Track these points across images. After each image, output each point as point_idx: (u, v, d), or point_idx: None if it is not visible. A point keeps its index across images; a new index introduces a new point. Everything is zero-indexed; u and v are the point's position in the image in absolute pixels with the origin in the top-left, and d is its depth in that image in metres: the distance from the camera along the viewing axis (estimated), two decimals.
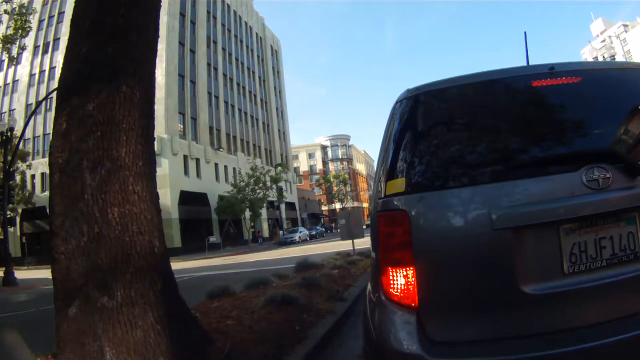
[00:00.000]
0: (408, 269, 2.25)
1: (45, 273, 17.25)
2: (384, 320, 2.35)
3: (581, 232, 2.17)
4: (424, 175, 2.39)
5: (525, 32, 3.44)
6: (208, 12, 57.51)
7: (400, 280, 2.28)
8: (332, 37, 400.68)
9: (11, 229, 34.03)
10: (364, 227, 15.86)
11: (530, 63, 2.95)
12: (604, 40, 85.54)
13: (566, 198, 2.16)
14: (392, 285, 2.31)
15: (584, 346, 1.98)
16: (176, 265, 27.29)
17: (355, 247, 15.51)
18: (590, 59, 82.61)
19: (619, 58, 54.19)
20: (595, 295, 2.13)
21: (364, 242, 17.15)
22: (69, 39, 3.87)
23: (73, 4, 4.01)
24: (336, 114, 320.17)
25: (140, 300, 3.53)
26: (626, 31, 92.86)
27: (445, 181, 2.32)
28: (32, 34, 36.55)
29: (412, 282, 2.24)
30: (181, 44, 49.72)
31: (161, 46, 44.54)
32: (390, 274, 2.32)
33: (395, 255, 2.32)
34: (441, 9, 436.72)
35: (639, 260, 2.18)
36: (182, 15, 50.82)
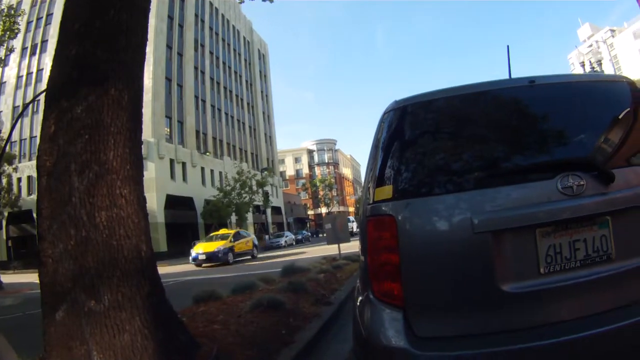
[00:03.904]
0: (395, 270, 2.38)
1: (31, 277, 17.03)
2: (372, 318, 2.47)
3: (556, 235, 2.33)
4: (410, 183, 2.53)
5: (508, 46, 3.60)
6: (196, 16, 57.42)
7: (388, 280, 2.42)
8: (320, 41, 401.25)
9: None
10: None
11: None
12: (590, 45, 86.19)
13: (542, 204, 2.32)
14: (379, 285, 2.46)
15: (557, 340, 2.12)
16: (162, 269, 26.96)
17: (341, 252, 15.52)
18: (577, 64, 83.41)
19: (606, 63, 54.88)
20: (570, 294, 2.28)
21: (350, 247, 17.15)
22: (58, 42, 3.87)
23: (62, 6, 4.01)
24: (323, 118, 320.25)
25: (127, 304, 3.52)
26: (613, 36, 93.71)
27: (430, 188, 2.47)
28: (20, 36, 36.19)
29: (399, 283, 2.37)
30: (169, 47, 49.63)
31: (149, 49, 43.84)
32: (378, 274, 2.48)
33: (383, 257, 2.45)
34: (434, 13, 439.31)
35: (611, 261, 2.34)
36: (170, 18, 50.75)
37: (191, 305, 7.37)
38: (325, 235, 18.96)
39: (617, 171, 2.38)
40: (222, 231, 33.66)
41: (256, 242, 33.92)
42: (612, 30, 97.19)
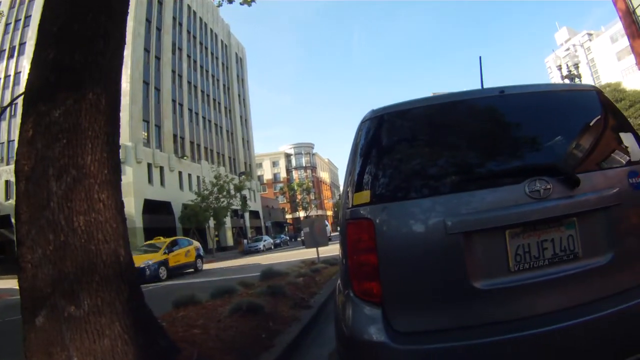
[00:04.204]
0: (373, 270, 2.54)
1: (10, 283, 16.80)
2: (354, 315, 2.61)
3: (525, 236, 2.50)
4: (386, 188, 2.68)
5: (480, 57, 3.79)
6: (174, 19, 57.03)
7: (367, 280, 2.57)
8: (297, 45, 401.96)
9: None
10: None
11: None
12: (568, 49, 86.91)
13: (511, 207, 2.49)
14: (359, 284, 2.61)
15: (526, 333, 2.28)
16: None
17: (320, 255, 15.58)
18: (554, 67, 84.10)
19: (583, 66, 55.71)
20: (539, 290, 2.44)
21: (329, 250, 17.15)
22: (36, 45, 3.85)
23: (41, 9, 3.99)
24: (301, 122, 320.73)
25: (107, 309, 3.51)
26: (590, 40, 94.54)
27: (405, 192, 2.63)
28: None
29: (377, 281, 2.52)
30: (146, 50, 49.23)
31: (127, 52, 43.02)
32: (358, 274, 2.63)
33: (362, 257, 2.60)
34: (412, 16, 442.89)
35: (578, 259, 2.51)
36: (148, 21, 50.31)
37: (171, 310, 7.34)
38: (303, 238, 18.97)
39: (582, 175, 2.54)
40: (156, 240, 28.47)
41: (201, 252, 28.53)
42: (590, 34, 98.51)
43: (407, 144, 2.83)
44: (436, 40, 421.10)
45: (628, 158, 2.76)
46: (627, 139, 2.83)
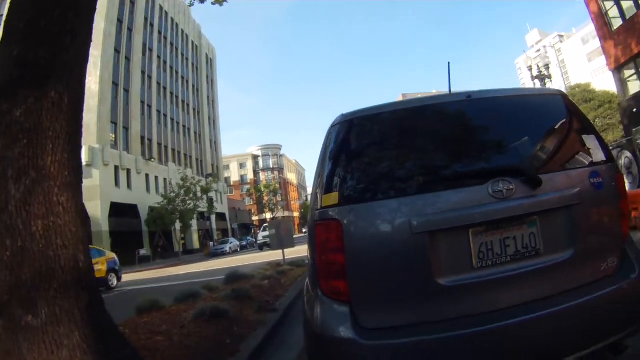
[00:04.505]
0: (341, 269, 2.63)
1: None
2: (322, 313, 2.70)
3: (488, 234, 2.62)
4: (354, 190, 2.75)
5: (448, 63, 3.91)
6: (146, 19, 56.58)
7: (335, 279, 2.67)
8: (267, 46, 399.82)
9: None
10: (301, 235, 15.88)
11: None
12: (538, 50, 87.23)
13: (475, 207, 2.60)
14: (327, 283, 2.71)
15: (489, 327, 2.41)
16: None
17: (286, 257, 15.52)
18: (524, 68, 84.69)
19: (554, 67, 56.69)
20: (502, 285, 2.57)
21: (295, 252, 17.17)
22: (2, 41, 3.70)
23: (8, 4, 3.86)
24: (269, 124, 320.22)
25: (65, 318, 3.37)
26: (561, 42, 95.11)
27: (373, 194, 2.71)
28: None
29: (345, 280, 2.62)
30: (117, 51, 48.64)
31: (96, 53, 43.33)
32: (326, 273, 2.73)
33: (330, 257, 2.69)
34: (381, 21, 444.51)
35: (540, 255, 2.65)
36: (120, 21, 49.82)
37: (134, 316, 7.24)
38: (262, 242, 18.57)
39: (545, 176, 2.69)
40: None
41: (116, 265, 22.32)
42: (561, 36, 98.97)
43: (375, 147, 2.92)
44: (406, 42, 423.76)
45: (590, 159, 2.91)
46: (589, 141, 2.98)
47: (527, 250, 2.64)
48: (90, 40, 4.13)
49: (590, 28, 74.41)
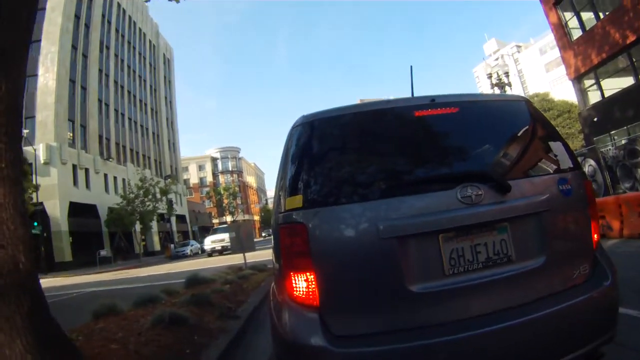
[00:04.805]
0: (308, 273, 2.56)
1: None
2: (290, 319, 2.62)
3: (458, 240, 2.59)
4: (319, 192, 2.68)
5: (411, 67, 3.92)
6: (103, 16, 55.72)
7: (302, 283, 2.58)
8: (223, 50, 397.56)
9: None
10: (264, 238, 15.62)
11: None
12: (497, 59, 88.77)
13: (443, 212, 2.56)
14: (295, 288, 2.62)
15: (462, 335, 2.36)
16: (66, 280, 26.20)
17: (247, 261, 15.18)
18: (482, 77, 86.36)
19: (512, 76, 57.75)
20: (474, 293, 2.53)
21: (256, 256, 17.21)
22: None
23: None
24: (226, 127, 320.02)
25: (5, 324, 3.09)
26: (519, 51, 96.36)
27: (338, 198, 2.63)
28: None
29: (313, 285, 2.55)
30: (74, 47, 47.70)
31: (53, 49, 42.89)
32: (293, 278, 2.63)
33: (296, 262, 2.62)
34: (335, 23, 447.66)
35: (511, 262, 2.62)
36: (77, 17, 48.90)
37: (89, 321, 6.89)
38: (229, 243, 17.65)
39: (513, 182, 2.69)
40: None
41: None
42: (518, 46, 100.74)
43: (338, 149, 2.85)
44: (365, 47, 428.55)
45: (557, 166, 2.93)
46: (556, 147, 3.00)
47: (499, 257, 2.62)
48: (33, 22, 3.88)
49: (548, 39, 76.14)
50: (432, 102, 2.94)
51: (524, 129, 3.08)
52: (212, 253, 37.07)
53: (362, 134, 2.87)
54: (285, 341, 2.62)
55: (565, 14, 25.90)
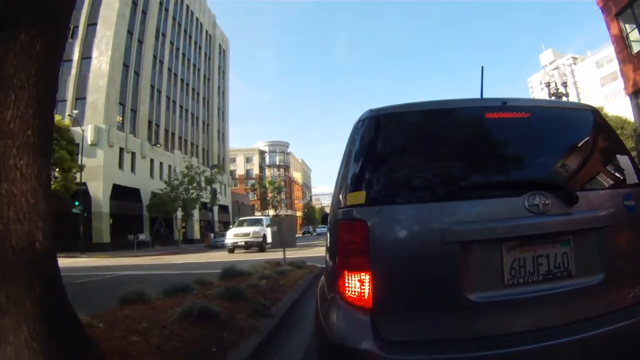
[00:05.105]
0: (364, 273, 2.45)
1: None
2: (339, 319, 2.52)
3: (521, 250, 2.47)
4: (383, 190, 2.59)
5: (482, 67, 3.68)
6: (160, 4, 56.41)
7: (356, 283, 2.47)
8: (280, 46, 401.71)
9: None
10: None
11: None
12: (556, 68, 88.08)
13: (509, 219, 2.46)
14: (348, 288, 2.50)
15: (517, 349, 2.26)
16: (102, 261, 26.41)
17: (287, 257, 14.70)
18: (537, 88, 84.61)
19: (569, 87, 56.76)
20: (532, 306, 2.42)
21: (295, 252, 17.12)
22: None
23: None
24: (277, 122, 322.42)
25: (12, 308, 2.83)
26: (575, 64, 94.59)
27: (402, 197, 2.55)
28: None
29: (368, 286, 2.43)
30: (130, 32, 48.45)
31: (109, 33, 43.83)
32: (347, 277, 2.51)
33: (353, 260, 2.52)
34: (396, 28, 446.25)
35: (571, 277, 2.49)
36: (135, 3, 49.72)
37: (115, 307, 6.48)
38: (270, 238, 17.20)
39: (579, 194, 2.55)
40: None
41: None
42: (575, 58, 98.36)
43: (405, 146, 2.76)
44: (417, 49, 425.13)
45: (623, 180, 2.79)
46: (623, 161, 2.85)
47: (559, 271, 2.50)
48: None
49: (605, 52, 74.65)
50: (504, 104, 2.83)
51: (592, 139, 2.97)
52: (234, 249, 30.33)
53: (429, 131, 2.81)
54: (332, 342, 2.51)
55: (627, 25, 24.88)
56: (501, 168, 2.69)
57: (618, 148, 2.94)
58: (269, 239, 26.46)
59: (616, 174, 2.83)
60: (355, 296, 2.48)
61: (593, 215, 2.58)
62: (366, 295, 2.44)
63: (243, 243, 29.57)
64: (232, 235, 30.38)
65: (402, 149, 2.74)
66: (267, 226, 28.38)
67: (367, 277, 2.44)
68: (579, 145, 2.91)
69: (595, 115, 3.04)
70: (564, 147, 2.85)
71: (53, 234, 3.26)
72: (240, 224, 33.00)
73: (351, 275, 2.50)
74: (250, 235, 29.36)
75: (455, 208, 2.48)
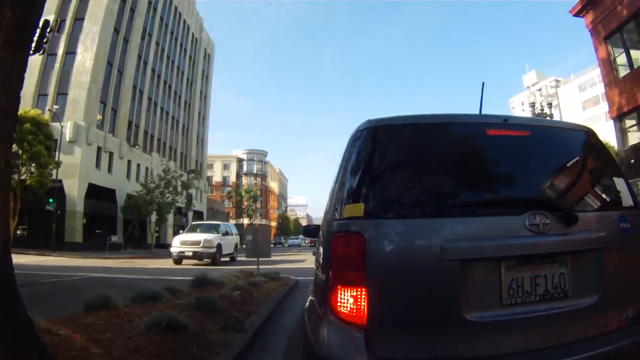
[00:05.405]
0: (360, 289, 2.40)
1: None
2: (330, 336, 2.47)
3: (520, 269, 2.47)
4: (382, 203, 2.54)
5: (483, 83, 3.71)
6: (149, 3, 55.93)
7: (350, 299, 2.42)
8: (268, 53, 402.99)
9: None
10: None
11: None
12: (540, 89, 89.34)
13: (510, 238, 2.46)
14: (341, 304, 2.45)
15: None
16: (72, 261, 25.79)
17: (260, 267, 14.24)
18: (518, 108, 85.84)
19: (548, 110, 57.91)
20: (528, 326, 2.41)
21: (269, 262, 16.81)
22: None
23: None
24: (257, 130, 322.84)
25: None
26: (557, 86, 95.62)
27: (401, 211, 2.52)
28: None
29: (363, 302, 2.38)
30: (116, 30, 47.82)
31: (95, 29, 43.37)
32: (340, 292, 2.46)
33: (348, 275, 2.46)
34: (380, 42, 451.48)
35: (568, 298, 2.51)
36: (123, 0, 49.14)
37: (79, 312, 6.09)
38: (244, 247, 15.87)
39: (579, 214, 2.57)
40: None
41: None
42: (558, 81, 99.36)
43: (407, 159, 2.73)
44: (400, 65, 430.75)
45: (620, 202, 2.84)
46: (619, 184, 2.92)
47: (556, 291, 2.51)
48: None
49: (588, 76, 76.11)
50: (506, 122, 2.82)
51: (590, 160, 3.02)
52: (181, 260, 24.14)
53: (430, 145, 2.76)
54: (321, 359, 2.46)
55: (615, 49, 25.47)
56: (502, 185, 2.69)
57: (614, 170, 3.01)
58: (225, 250, 25.30)
59: (613, 196, 2.88)
60: (348, 312, 2.42)
61: (590, 237, 2.60)
62: (360, 311, 2.39)
63: (191, 253, 23.60)
64: (179, 243, 24.27)
65: (402, 161, 2.71)
66: (225, 234, 26.56)
67: (362, 292, 2.39)
68: (577, 165, 2.93)
69: (592, 137, 3.08)
70: (563, 166, 2.87)
71: (8, 228, 3.00)
72: (193, 230, 27.48)
73: (344, 290, 2.45)
74: (201, 245, 23.60)
75: (455, 224, 2.46)
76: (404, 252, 2.42)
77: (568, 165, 2.89)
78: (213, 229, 26.98)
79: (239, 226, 74.77)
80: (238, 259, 27.20)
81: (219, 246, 24.28)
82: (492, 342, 2.36)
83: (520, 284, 2.45)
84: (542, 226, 2.47)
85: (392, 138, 2.77)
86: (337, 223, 2.63)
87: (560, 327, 2.45)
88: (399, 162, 2.71)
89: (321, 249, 3.09)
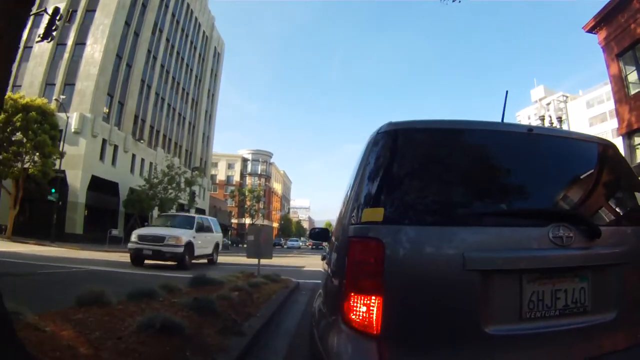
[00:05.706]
0: (375, 297, 2.30)
1: None
2: (340, 345, 2.40)
3: (541, 282, 2.40)
4: (403, 209, 2.46)
5: (507, 92, 3.67)
6: None
7: (363, 308, 2.32)
8: (279, 57, 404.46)
9: None
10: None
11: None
12: (549, 103, 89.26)
13: (532, 250, 2.39)
14: (354, 312, 2.35)
15: None
16: (71, 253, 25.57)
17: (260, 268, 13.94)
18: (530, 120, 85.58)
19: (557, 124, 57.88)
20: (546, 341, 2.33)
21: (270, 263, 16.35)
22: None
23: None
24: (263, 131, 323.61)
25: None
26: (565, 102, 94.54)
27: (425, 218, 2.43)
28: None
29: (377, 311, 2.28)
30: (127, 24, 47.95)
31: (106, 21, 43.52)
32: (354, 300, 2.37)
33: (364, 283, 2.36)
34: (389, 57, 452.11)
35: (586, 313, 2.44)
36: None
37: (70, 308, 5.83)
38: (245, 246, 15.27)
39: (602, 228, 2.48)
40: None
41: None
42: (565, 96, 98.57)
43: (430, 164, 2.64)
44: (408, 73, 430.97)
45: None
46: None
47: (576, 306, 2.45)
48: None
49: (596, 93, 75.62)
50: (530, 131, 2.77)
51: (614, 174, 2.96)
52: (136, 258, 18.69)
53: (454, 151, 2.69)
54: None
55: (627, 67, 25.18)
56: (526, 196, 2.62)
57: (636, 185, 2.92)
58: (200, 250, 20.58)
59: (635, 211, 2.78)
60: (360, 320, 2.33)
61: (612, 252, 2.54)
62: (374, 320, 2.29)
63: (150, 252, 18.17)
64: (137, 238, 18.74)
65: (424, 166, 2.62)
66: (201, 230, 21.27)
67: (377, 301, 2.30)
68: (600, 179, 2.86)
69: (614, 151, 3.02)
70: (586, 179, 2.79)
71: None
72: (164, 222, 21.78)
73: (358, 298, 2.36)
74: (165, 242, 18.10)
75: (477, 234, 2.39)
76: (424, 261, 2.34)
77: (591, 177, 2.83)
78: (185, 223, 20.81)
79: (241, 225, 74.17)
80: (235, 261, 25.31)
81: (189, 245, 18.96)
82: (509, 357, 2.30)
83: (541, 297, 2.38)
84: (566, 239, 2.41)
85: (414, 142, 2.70)
86: (354, 228, 2.54)
87: (577, 343, 2.40)
88: (421, 166, 2.63)
89: (334, 254, 3.01)
